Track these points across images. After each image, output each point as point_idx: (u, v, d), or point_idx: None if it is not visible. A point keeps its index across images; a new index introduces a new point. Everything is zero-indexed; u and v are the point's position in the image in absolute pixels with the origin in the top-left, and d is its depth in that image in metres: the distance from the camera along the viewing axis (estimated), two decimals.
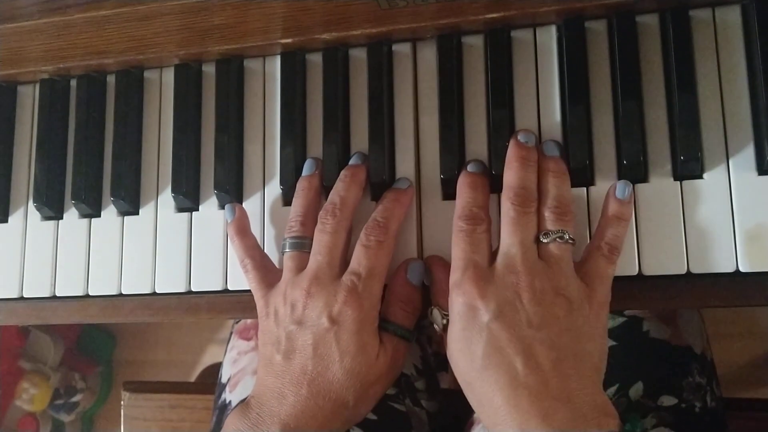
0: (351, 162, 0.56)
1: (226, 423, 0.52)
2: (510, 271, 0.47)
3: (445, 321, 0.50)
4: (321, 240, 0.52)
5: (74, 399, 1.59)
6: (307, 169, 0.56)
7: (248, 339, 0.76)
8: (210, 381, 0.85)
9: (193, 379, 1.52)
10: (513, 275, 0.47)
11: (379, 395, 0.53)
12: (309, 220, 0.54)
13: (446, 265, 0.52)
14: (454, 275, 0.49)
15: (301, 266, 0.53)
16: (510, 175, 0.50)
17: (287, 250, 0.54)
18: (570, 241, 0.48)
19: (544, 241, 0.48)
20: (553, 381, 0.45)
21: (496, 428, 0.46)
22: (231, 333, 0.79)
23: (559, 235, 0.48)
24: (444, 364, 1.04)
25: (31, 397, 1.54)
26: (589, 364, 0.46)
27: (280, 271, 0.54)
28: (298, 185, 0.56)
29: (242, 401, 0.52)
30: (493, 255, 0.49)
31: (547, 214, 0.49)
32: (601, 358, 0.48)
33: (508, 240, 0.48)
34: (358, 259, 0.51)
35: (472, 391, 0.47)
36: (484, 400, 0.46)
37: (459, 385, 0.49)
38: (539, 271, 0.47)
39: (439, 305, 0.51)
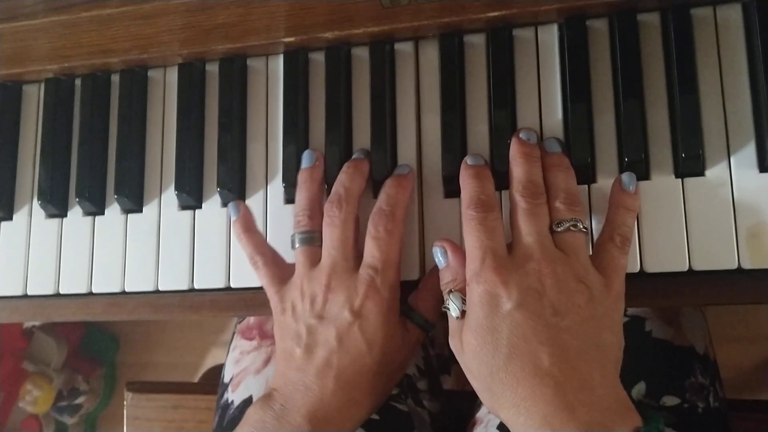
0: (354, 157, 0.56)
1: (247, 414, 0.52)
2: (529, 259, 0.46)
3: (464, 307, 0.48)
4: (332, 234, 0.52)
5: (77, 401, 1.59)
6: (306, 160, 0.56)
7: (250, 339, 0.76)
8: (213, 382, 0.85)
9: (196, 381, 1.52)
10: (534, 262, 0.46)
11: (396, 381, 0.54)
12: (315, 213, 0.54)
13: (461, 250, 0.51)
14: (473, 264, 0.47)
15: (313, 260, 0.53)
16: (516, 171, 0.50)
17: (297, 245, 0.54)
18: (584, 230, 0.48)
19: (559, 230, 0.48)
20: (577, 371, 0.44)
21: (518, 420, 0.44)
22: (233, 333, 0.80)
23: (573, 223, 0.48)
24: (447, 366, 1.05)
25: (35, 398, 1.54)
26: (609, 356, 0.46)
27: (291, 266, 0.55)
28: (299, 178, 0.56)
29: (264, 395, 0.53)
30: (507, 246, 0.49)
31: (558, 205, 0.49)
32: (619, 351, 0.47)
33: (524, 229, 0.48)
34: (371, 252, 0.51)
35: (492, 382, 0.46)
36: (506, 392, 0.45)
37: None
38: (559, 259, 0.46)
39: (457, 291, 0.50)
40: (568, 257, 0.47)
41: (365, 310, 0.50)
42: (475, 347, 0.46)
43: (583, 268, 0.47)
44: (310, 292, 0.52)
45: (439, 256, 0.52)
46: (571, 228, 0.48)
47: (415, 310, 0.53)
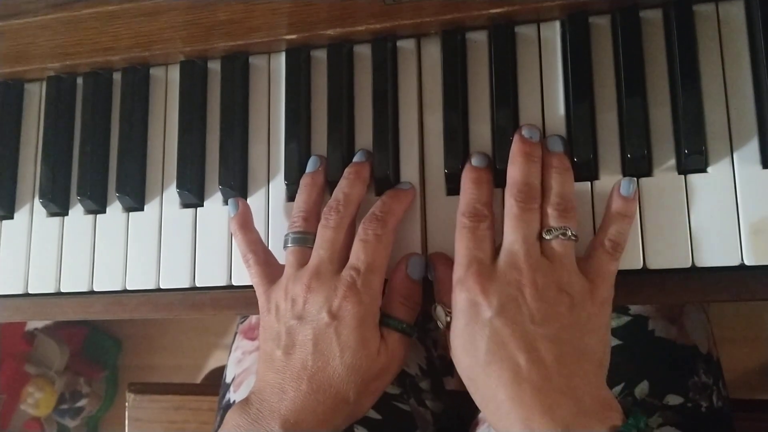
0: (355, 159, 0.56)
1: (226, 419, 0.52)
2: (513, 268, 0.47)
3: (448, 318, 0.50)
4: (324, 235, 0.52)
5: (79, 404, 1.59)
6: (310, 165, 0.57)
7: (253, 339, 0.76)
8: (215, 383, 0.85)
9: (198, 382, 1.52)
10: (516, 271, 0.47)
11: (381, 391, 0.53)
12: (312, 216, 0.54)
13: (449, 263, 0.52)
14: (458, 272, 0.49)
15: (303, 261, 0.53)
16: (514, 171, 0.50)
17: (289, 245, 0.54)
18: (572, 238, 0.48)
19: (547, 237, 0.48)
20: (555, 376, 0.45)
21: (500, 424, 0.46)
22: (235, 333, 0.79)
23: (562, 231, 0.48)
24: (450, 367, 1.04)
25: (37, 401, 1.54)
26: (592, 359, 0.47)
27: (282, 266, 0.54)
28: (301, 181, 0.56)
29: (243, 399, 0.52)
30: (496, 250, 0.49)
31: (551, 211, 0.49)
32: (605, 353, 0.48)
33: (511, 237, 0.48)
34: (356, 254, 0.51)
35: (476, 387, 0.47)
36: (487, 396, 0.46)
37: (464, 387, 0.49)
38: (542, 268, 0.47)
39: (442, 303, 0.51)
40: (552, 266, 0.47)
41: (342, 311, 0.50)
42: (460, 353, 0.48)
43: (567, 276, 0.47)
44: (292, 293, 0.52)
45: (431, 270, 0.54)
46: (560, 236, 0.48)
47: (390, 316, 0.53)
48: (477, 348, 0.46)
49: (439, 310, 0.51)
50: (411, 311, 0.53)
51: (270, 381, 0.51)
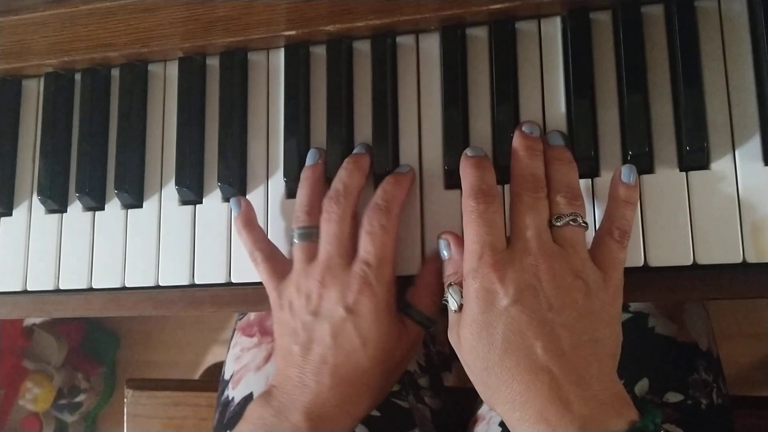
0: (354, 151, 0.56)
1: (248, 411, 0.52)
2: (527, 254, 0.46)
3: (463, 301, 0.48)
4: (328, 230, 0.52)
5: (78, 399, 1.59)
6: (310, 158, 0.56)
7: (251, 336, 0.75)
8: (213, 379, 0.85)
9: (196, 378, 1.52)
10: (531, 257, 0.46)
11: (397, 378, 0.54)
12: (315, 210, 0.54)
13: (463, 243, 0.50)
14: (470, 261, 0.47)
15: (311, 256, 0.53)
16: (517, 164, 0.50)
17: (296, 240, 0.54)
18: (583, 225, 0.48)
19: (558, 224, 0.47)
20: (573, 367, 0.44)
21: (513, 415, 0.45)
22: (234, 330, 0.79)
23: (572, 218, 0.47)
24: (448, 363, 1.04)
25: (35, 396, 1.54)
26: (606, 350, 0.46)
27: (290, 261, 0.54)
28: (302, 175, 0.56)
29: (263, 391, 0.53)
30: (506, 238, 0.48)
31: (559, 199, 0.48)
32: (617, 345, 0.47)
33: (522, 224, 0.47)
34: (365, 247, 0.51)
35: (488, 377, 0.46)
36: (501, 387, 0.45)
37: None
38: (556, 254, 0.46)
39: (457, 283, 0.49)
40: (566, 252, 0.47)
41: (358, 306, 0.50)
42: (471, 342, 0.46)
43: (581, 263, 0.46)
44: (305, 289, 0.52)
45: (443, 248, 0.52)
46: (571, 223, 0.47)
47: (413, 306, 0.53)
48: (493, 336, 0.45)
49: (455, 291, 0.49)
50: (435, 307, 0.53)
51: (290, 375, 0.52)
